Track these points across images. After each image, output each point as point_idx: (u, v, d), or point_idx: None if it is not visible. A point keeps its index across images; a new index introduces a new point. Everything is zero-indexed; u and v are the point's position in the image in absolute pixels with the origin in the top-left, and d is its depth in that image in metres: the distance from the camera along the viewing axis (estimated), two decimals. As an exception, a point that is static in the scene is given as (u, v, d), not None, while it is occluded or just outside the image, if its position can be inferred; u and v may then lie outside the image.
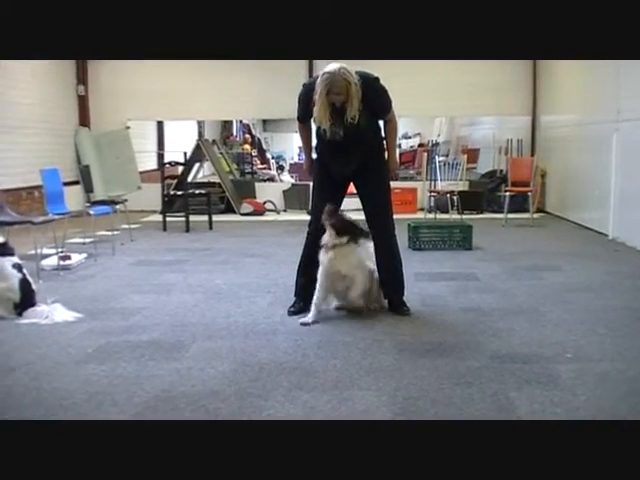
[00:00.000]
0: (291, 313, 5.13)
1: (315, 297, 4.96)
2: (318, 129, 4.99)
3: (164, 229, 10.23)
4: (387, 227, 5.20)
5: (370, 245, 5.09)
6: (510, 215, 10.47)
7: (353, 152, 4.98)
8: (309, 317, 4.91)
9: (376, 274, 5.12)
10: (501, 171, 12.93)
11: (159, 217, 10.75)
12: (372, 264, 5.11)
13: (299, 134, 5.42)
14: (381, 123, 5.17)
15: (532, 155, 12.18)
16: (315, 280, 5.00)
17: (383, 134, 5.18)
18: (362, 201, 5.23)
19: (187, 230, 10.07)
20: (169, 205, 10.85)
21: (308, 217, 5.33)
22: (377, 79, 4.97)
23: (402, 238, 8.40)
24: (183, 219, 10.18)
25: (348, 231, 4.96)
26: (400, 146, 18.30)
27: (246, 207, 12.28)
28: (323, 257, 4.96)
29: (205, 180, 14.29)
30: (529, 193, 10.58)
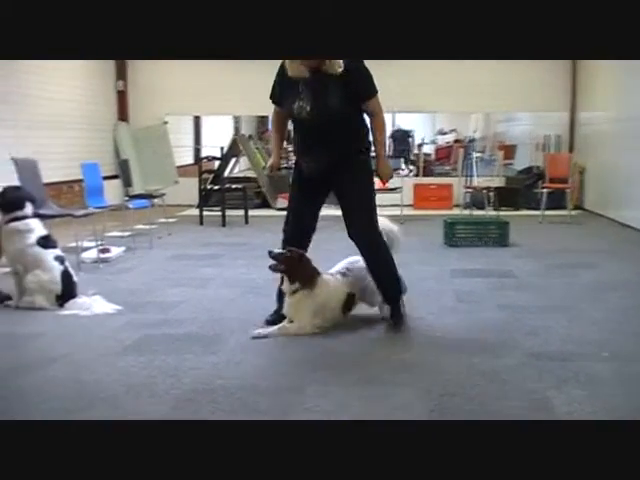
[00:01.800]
0: (268, 323, 4.68)
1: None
2: (287, 111, 4.56)
3: (201, 223, 10.33)
4: (368, 233, 4.57)
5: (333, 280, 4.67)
6: (547, 212, 10.37)
7: (319, 142, 4.46)
8: (266, 331, 4.50)
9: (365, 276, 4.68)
10: (538, 167, 12.80)
11: (196, 211, 10.85)
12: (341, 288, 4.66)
13: (271, 121, 4.91)
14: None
15: (570, 151, 12.05)
16: None
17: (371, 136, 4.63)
18: (341, 205, 4.65)
19: (223, 224, 10.15)
20: (206, 199, 10.95)
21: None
22: (362, 62, 4.45)
23: (438, 234, 8.44)
24: (219, 213, 10.26)
25: (301, 275, 4.51)
26: (436, 142, 18.22)
27: (282, 202, 12.30)
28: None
29: (241, 175, 14.38)
30: (567, 190, 10.47)
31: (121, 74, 12.92)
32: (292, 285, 4.50)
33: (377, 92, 4.50)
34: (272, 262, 4.52)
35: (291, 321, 4.54)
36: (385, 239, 4.67)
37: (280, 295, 4.73)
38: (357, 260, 4.76)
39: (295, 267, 4.50)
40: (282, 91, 4.54)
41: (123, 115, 13.02)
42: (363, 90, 4.48)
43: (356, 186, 4.56)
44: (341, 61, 4.32)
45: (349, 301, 4.68)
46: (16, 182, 6.28)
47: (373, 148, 4.68)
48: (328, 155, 4.49)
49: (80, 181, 8.61)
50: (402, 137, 16.17)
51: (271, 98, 4.68)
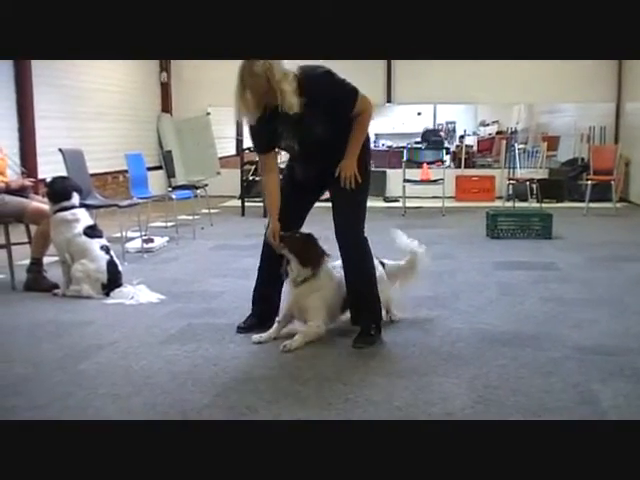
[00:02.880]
0: (240, 329, 4.40)
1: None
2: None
3: (242, 214, 10.40)
4: (353, 236, 4.19)
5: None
6: (591, 204, 10.23)
7: (319, 159, 4.12)
8: (264, 335, 4.22)
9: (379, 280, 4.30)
10: (582, 159, 12.62)
11: (238, 202, 10.92)
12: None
13: (263, 178, 4.46)
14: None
15: (616, 143, 11.85)
16: (273, 297, 4.45)
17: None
18: (332, 204, 4.31)
19: (265, 215, 10.16)
20: (247, 190, 11.03)
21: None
22: (321, 70, 3.94)
23: (480, 226, 8.37)
24: (261, 204, 10.29)
25: (310, 258, 4.19)
26: (478, 133, 18.04)
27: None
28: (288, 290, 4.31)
29: (282, 166, 14.40)
30: (612, 182, 10.30)
31: (164, 66, 13.05)
32: (300, 273, 4.17)
33: (357, 92, 3.95)
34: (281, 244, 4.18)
35: (298, 320, 4.26)
36: (408, 265, 4.53)
37: (259, 297, 4.50)
38: None
39: (303, 249, 4.16)
40: (263, 138, 4.17)
41: (166, 107, 13.17)
42: (342, 102, 3.94)
43: (350, 192, 4.08)
44: (294, 99, 3.81)
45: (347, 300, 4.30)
46: (63, 172, 6.38)
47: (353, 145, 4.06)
48: (324, 165, 4.10)
49: (125, 172, 8.76)
50: (432, 133, 15.98)
51: (256, 149, 4.35)
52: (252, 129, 4.17)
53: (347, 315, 4.39)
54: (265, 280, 4.50)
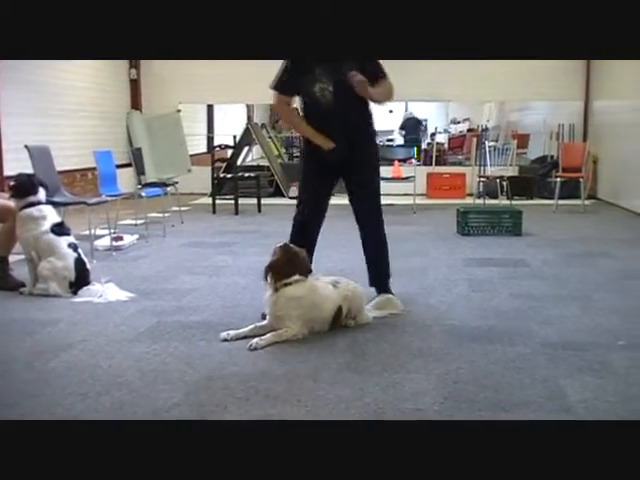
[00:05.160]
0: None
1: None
2: (304, 97, 4.65)
3: (214, 212, 10.34)
4: (376, 213, 4.83)
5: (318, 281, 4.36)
6: (561, 201, 10.32)
7: (340, 125, 4.54)
8: (233, 333, 4.20)
9: (353, 292, 4.44)
10: (552, 157, 12.74)
11: (209, 200, 10.86)
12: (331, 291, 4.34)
13: (283, 113, 4.95)
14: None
15: (584, 141, 11.96)
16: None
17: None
18: (349, 186, 4.85)
19: (236, 213, 10.16)
20: (219, 188, 10.97)
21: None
22: None
23: (451, 223, 8.41)
24: (232, 202, 10.27)
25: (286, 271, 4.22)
26: (449, 131, 18.14)
27: (295, 190, 12.31)
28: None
29: (254, 163, 14.37)
30: (581, 179, 10.40)
31: (134, 63, 12.91)
32: (279, 281, 4.19)
33: (386, 75, 4.58)
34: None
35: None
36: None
37: None
38: (343, 279, 4.51)
39: (289, 260, 4.24)
40: (296, 78, 4.54)
41: (136, 103, 13.02)
42: (375, 69, 4.54)
43: (367, 178, 4.81)
44: None
45: (338, 314, 4.33)
46: (30, 170, 6.29)
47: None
48: (347, 139, 4.57)
49: (93, 169, 8.65)
50: (414, 125, 16.09)
51: (276, 88, 4.63)
52: (288, 67, 4.55)
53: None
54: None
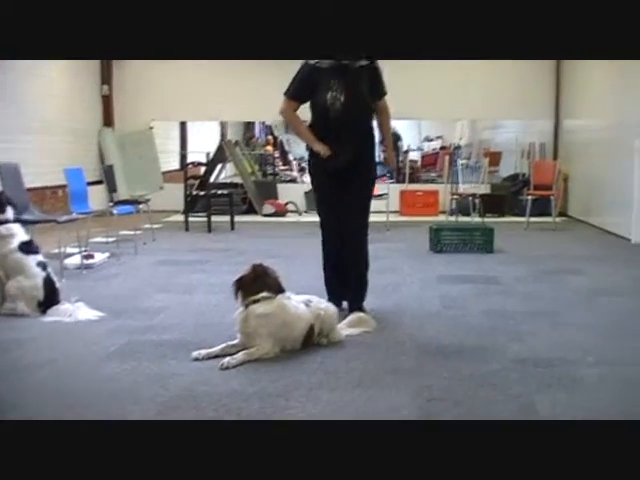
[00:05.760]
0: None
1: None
2: (314, 105, 4.89)
3: (186, 229, 10.29)
4: (360, 230, 5.03)
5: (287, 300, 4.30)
6: (532, 219, 10.41)
7: (346, 134, 4.79)
8: (203, 352, 4.15)
9: (325, 310, 4.43)
10: (523, 174, 12.86)
11: (181, 217, 10.81)
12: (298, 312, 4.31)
13: (288, 116, 5.04)
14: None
15: (555, 159, 12.12)
16: (340, 274, 5.05)
17: (376, 128, 5.18)
18: (342, 198, 4.94)
19: (209, 230, 10.12)
20: (191, 205, 10.92)
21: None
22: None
23: (424, 240, 8.45)
24: (205, 219, 10.23)
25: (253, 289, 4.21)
26: (422, 149, 18.25)
27: (268, 208, 12.31)
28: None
29: (227, 181, 14.33)
30: (552, 197, 10.51)
31: (106, 79, 12.85)
32: (246, 297, 4.20)
33: (386, 94, 5.02)
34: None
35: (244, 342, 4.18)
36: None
37: (329, 282, 5.14)
38: (315, 298, 4.51)
39: (258, 277, 4.23)
40: (311, 86, 4.83)
41: (108, 120, 12.94)
42: (381, 88, 4.98)
43: (362, 189, 5.01)
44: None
45: (311, 333, 4.31)
46: (-2, 188, 6.22)
47: (381, 139, 5.29)
48: (353, 148, 4.83)
49: (64, 186, 8.56)
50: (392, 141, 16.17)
51: (293, 96, 4.93)
52: (304, 74, 4.87)
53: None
54: (330, 256, 5.15)
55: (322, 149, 4.86)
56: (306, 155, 5.33)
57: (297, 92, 4.93)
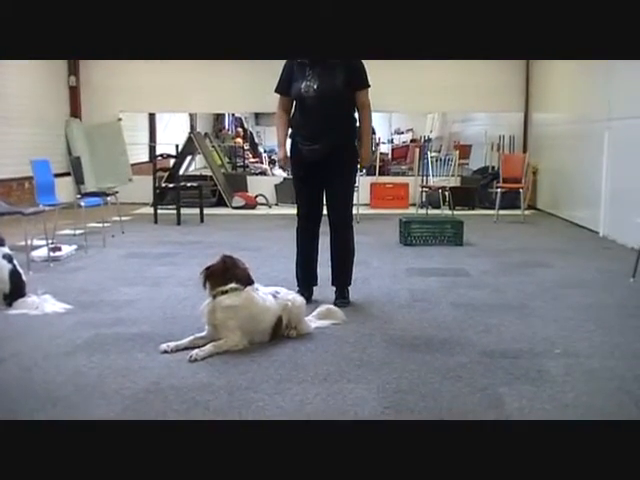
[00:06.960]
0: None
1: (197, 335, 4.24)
2: (292, 94, 5.05)
3: (155, 222, 10.22)
4: (345, 218, 5.25)
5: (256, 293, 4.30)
6: (502, 212, 10.49)
7: (320, 119, 4.94)
8: (172, 344, 4.14)
9: (293, 302, 4.44)
10: (493, 167, 12.96)
11: (150, 210, 10.73)
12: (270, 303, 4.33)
13: (277, 114, 5.30)
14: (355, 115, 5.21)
15: (524, 152, 12.21)
16: (312, 265, 5.27)
17: (357, 124, 5.23)
18: (325, 188, 5.18)
19: (178, 223, 10.05)
20: (160, 198, 10.84)
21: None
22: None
23: (394, 233, 8.47)
24: (174, 212, 10.17)
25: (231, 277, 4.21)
26: (392, 141, 18.32)
27: (238, 201, 12.26)
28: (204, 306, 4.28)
29: (197, 173, 14.26)
30: (520, 190, 10.60)
31: (73, 69, 12.68)
32: (214, 288, 4.20)
33: (369, 86, 5.09)
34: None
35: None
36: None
37: (302, 275, 5.29)
38: (283, 289, 4.54)
39: (227, 268, 4.22)
40: (291, 77, 5.06)
41: (75, 111, 12.79)
42: (360, 80, 5.05)
43: (344, 179, 5.17)
44: None
45: (279, 325, 4.33)
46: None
47: (358, 137, 5.27)
48: (329, 137, 4.95)
49: (30, 178, 8.45)
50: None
51: (277, 90, 5.19)
52: (284, 68, 5.12)
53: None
54: (303, 249, 5.31)
55: (279, 154, 5.40)
56: (276, 148, 5.49)
57: (280, 85, 5.18)
